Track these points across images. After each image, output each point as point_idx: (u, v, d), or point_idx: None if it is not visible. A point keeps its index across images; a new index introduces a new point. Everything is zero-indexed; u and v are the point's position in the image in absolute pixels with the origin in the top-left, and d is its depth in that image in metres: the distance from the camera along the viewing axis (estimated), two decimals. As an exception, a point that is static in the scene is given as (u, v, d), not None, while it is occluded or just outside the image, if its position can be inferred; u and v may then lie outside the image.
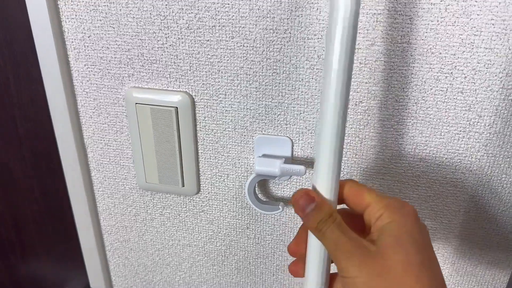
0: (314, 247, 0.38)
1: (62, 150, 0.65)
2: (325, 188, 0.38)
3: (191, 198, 0.65)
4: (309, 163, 0.57)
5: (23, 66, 0.61)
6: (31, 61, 0.61)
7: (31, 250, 0.81)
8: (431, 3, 0.45)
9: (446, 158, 0.53)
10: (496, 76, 0.47)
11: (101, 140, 0.64)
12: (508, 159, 0.51)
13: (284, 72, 0.52)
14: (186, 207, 0.66)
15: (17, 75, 0.62)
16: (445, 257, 0.59)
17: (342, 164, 0.56)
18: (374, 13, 0.47)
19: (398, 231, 0.34)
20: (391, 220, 0.35)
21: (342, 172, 0.57)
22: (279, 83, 0.53)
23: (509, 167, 0.52)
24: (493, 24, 0.45)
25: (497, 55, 0.46)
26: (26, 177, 0.72)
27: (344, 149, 0.55)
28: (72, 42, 0.58)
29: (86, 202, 0.68)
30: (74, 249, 0.77)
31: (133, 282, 0.77)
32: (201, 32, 0.52)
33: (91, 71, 0.59)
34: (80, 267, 0.79)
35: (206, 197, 0.64)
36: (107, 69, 0.58)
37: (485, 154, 0.52)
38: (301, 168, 0.52)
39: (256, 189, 0.60)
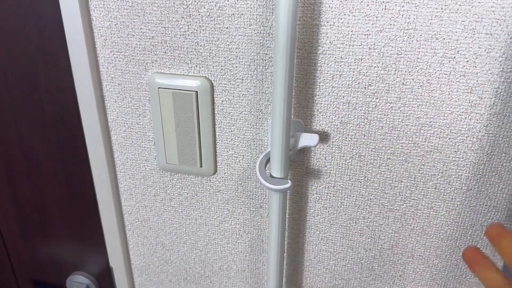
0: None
1: (87, 133, 0.69)
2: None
3: (208, 178, 0.69)
4: (320, 139, 0.61)
5: (52, 53, 0.66)
6: (59, 48, 0.65)
7: (53, 231, 0.85)
8: (436, -9, 0.49)
9: (449, 138, 0.56)
10: (496, 60, 0.51)
11: (124, 123, 0.68)
12: (508, 138, 0.55)
13: (298, 57, 0.56)
14: (203, 187, 0.70)
15: (46, 62, 0.67)
16: (448, 233, 0.63)
17: (351, 145, 0.59)
18: (383, 1, 0.51)
19: None
20: None
21: (351, 153, 0.61)
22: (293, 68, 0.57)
23: (508, 147, 0.55)
24: (493, 11, 0.49)
25: (497, 40, 0.50)
26: (50, 160, 0.76)
27: (353, 130, 0.59)
28: (100, 29, 0.62)
29: (109, 183, 0.73)
30: (95, 230, 0.81)
31: (151, 260, 0.81)
32: (221, 20, 0.56)
33: (117, 57, 0.63)
34: (100, 247, 0.83)
35: (223, 177, 0.68)
36: (132, 56, 0.62)
37: (485, 134, 0.55)
38: (315, 135, 0.57)
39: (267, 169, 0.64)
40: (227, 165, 0.67)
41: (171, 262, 0.79)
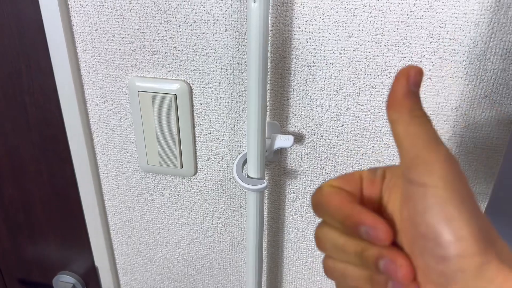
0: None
1: (70, 135, 0.70)
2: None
3: (189, 179, 0.71)
4: (296, 140, 0.63)
5: (34, 57, 0.67)
6: (41, 52, 0.66)
7: (38, 231, 0.86)
8: (402, -2, 0.51)
9: (418, 139, 0.58)
10: (460, 64, 0.53)
11: (106, 125, 0.69)
12: (474, 139, 0.57)
13: (272, 61, 0.58)
14: (184, 188, 0.72)
15: (28, 65, 0.68)
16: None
17: (325, 145, 0.61)
18: (351, 8, 0.53)
19: None
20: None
21: (325, 153, 0.63)
22: (268, 72, 0.59)
23: (474, 147, 0.58)
24: (456, 17, 0.51)
25: (460, 45, 0.52)
26: (34, 161, 0.78)
27: (327, 132, 0.61)
28: (80, 35, 0.63)
29: (92, 184, 0.74)
30: (79, 230, 0.83)
31: (135, 260, 0.82)
32: (197, 25, 0.58)
33: (98, 61, 0.65)
34: (85, 247, 0.85)
35: (203, 178, 0.70)
36: (112, 60, 0.64)
37: (453, 135, 0.57)
38: (290, 137, 0.59)
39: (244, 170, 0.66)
40: (207, 166, 0.69)
41: (155, 261, 0.81)
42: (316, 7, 0.54)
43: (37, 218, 0.85)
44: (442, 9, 0.51)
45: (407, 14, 0.52)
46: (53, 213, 0.83)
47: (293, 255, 0.73)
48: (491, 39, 0.51)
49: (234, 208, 0.71)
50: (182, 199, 0.73)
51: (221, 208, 0.72)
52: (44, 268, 0.91)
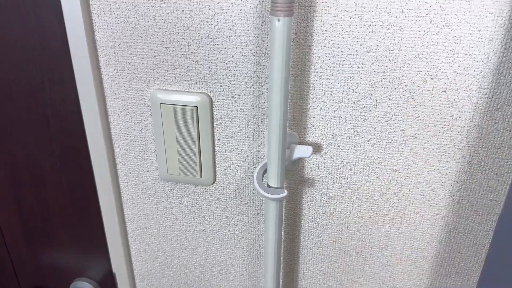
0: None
1: (92, 146, 0.72)
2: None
3: (208, 187, 0.73)
4: (313, 150, 0.65)
5: (57, 70, 0.69)
6: (64, 66, 0.68)
7: (56, 239, 0.88)
8: (418, 15, 0.54)
9: (433, 149, 0.61)
10: (474, 77, 0.56)
11: (127, 136, 0.71)
12: (486, 149, 0.59)
13: (292, 75, 0.60)
14: (203, 196, 0.74)
15: (51, 78, 0.70)
16: (433, 236, 0.67)
17: (342, 155, 0.64)
18: (370, 25, 0.55)
19: None
20: None
21: (342, 163, 0.65)
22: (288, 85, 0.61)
23: (486, 156, 0.60)
24: (470, 34, 0.53)
25: (474, 60, 0.55)
26: (54, 171, 0.79)
27: (344, 142, 0.63)
28: (104, 49, 0.65)
29: (112, 192, 0.76)
30: (98, 237, 0.85)
31: (153, 266, 0.84)
32: (219, 41, 0.60)
33: (120, 75, 0.66)
34: (102, 254, 0.86)
35: (221, 186, 0.72)
36: (135, 73, 0.66)
37: (466, 145, 0.60)
38: (309, 147, 0.61)
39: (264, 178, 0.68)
40: (226, 175, 0.71)
41: (172, 267, 0.83)
42: (335, 23, 0.56)
43: (55, 226, 0.86)
44: (458, 26, 0.53)
45: (424, 31, 0.54)
46: (71, 221, 0.85)
47: (309, 261, 0.75)
48: (504, 54, 0.54)
49: (251, 216, 0.73)
50: (200, 207, 0.75)
51: (239, 215, 0.74)
52: (61, 274, 0.93)
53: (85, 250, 0.88)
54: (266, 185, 0.63)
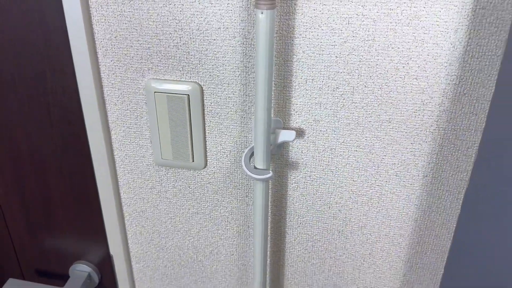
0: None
1: (90, 133, 0.77)
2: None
3: (199, 172, 0.77)
4: (297, 135, 0.70)
5: (57, 61, 0.74)
6: (65, 57, 0.73)
7: (57, 224, 0.93)
8: (390, 8, 0.59)
9: (406, 132, 0.66)
10: (442, 65, 0.61)
11: (123, 123, 0.76)
12: (455, 132, 0.65)
13: (276, 64, 0.65)
14: (195, 180, 0.78)
15: (52, 69, 0.74)
16: (409, 215, 0.73)
17: (323, 139, 0.69)
18: (346, 17, 0.60)
19: None
20: None
21: (323, 146, 0.70)
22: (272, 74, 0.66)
23: (456, 138, 0.65)
24: (437, 25, 0.58)
25: (442, 49, 0.60)
26: (55, 157, 0.84)
27: (325, 127, 0.68)
28: (101, 41, 0.70)
29: (109, 177, 0.81)
30: (96, 221, 0.89)
31: (148, 248, 0.89)
32: (208, 32, 0.65)
33: (117, 65, 0.71)
34: (100, 237, 0.91)
35: (212, 170, 0.77)
36: (130, 64, 0.70)
37: (436, 128, 0.65)
38: (292, 132, 0.66)
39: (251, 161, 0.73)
40: (216, 160, 0.76)
41: (167, 248, 0.88)
42: (315, 16, 0.61)
43: (56, 211, 0.91)
44: (426, 17, 0.58)
45: (395, 22, 0.59)
46: (71, 206, 0.89)
47: (294, 240, 0.80)
48: (469, 44, 0.59)
49: (240, 198, 0.78)
50: (192, 190, 0.80)
51: (229, 198, 0.79)
52: (61, 258, 0.97)
53: (83, 234, 0.92)
54: (253, 167, 0.68)
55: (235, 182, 0.77)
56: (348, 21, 0.60)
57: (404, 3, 0.58)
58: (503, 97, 0.55)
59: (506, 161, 0.57)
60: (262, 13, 0.56)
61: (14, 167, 0.87)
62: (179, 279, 0.91)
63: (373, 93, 0.64)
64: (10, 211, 0.94)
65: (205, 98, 0.70)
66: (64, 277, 1.00)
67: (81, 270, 0.96)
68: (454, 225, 0.72)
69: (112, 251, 0.90)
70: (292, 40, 0.63)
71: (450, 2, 0.57)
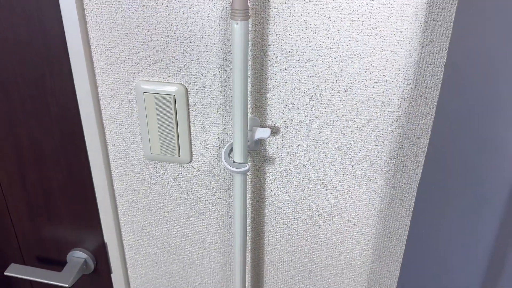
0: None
1: (86, 129, 0.84)
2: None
3: (185, 165, 0.85)
4: (272, 132, 0.77)
5: (56, 64, 0.81)
6: (63, 60, 0.80)
7: (56, 213, 1.00)
8: (352, 19, 0.66)
9: (369, 131, 0.73)
10: (399, 70, 0.68)
11: (116, 121, 0.83)
12: (413, 130, 0.72)
13: (252, 68, 0.72)
14: (181, 173, 0.86)
15: (51, 71, 0.82)
16: (374, 206, 0.80)
17: (297, 136, 0.76)
18: (313, 27, 0.67)
19: None
20: None
21: (296, 143, 0.77)
22: (249, 77, 0.73)
23: (414, 136, 0.72)
24: (394, 34, 0.65)
25: (399, 56, 0.67)
26: (54, 152, 0.91)
27: (298, 125, 0.75)
28: (96, 46, 0.77)
29: (104, 170, 0.88)
30: (92, 211, 0.97)
31: (140, 236, 0.96)
32: (192, 39, 0.72)
33: (110, 68, 0.78)
34: (96, 226, 0.98)
35: (197, 164, 0.84)
36: (122, 67, 0.78)
37: (396, 127, 0.72)
38: (267, 129, 0.73)
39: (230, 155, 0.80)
40: (201, 154, 0.83)
41: (157, 237, 0.95)
42: (286, 26, 0.68)
43: (55, 201, 0.98)
44: (384, 28, 0.65)
45: (357, 32, 0.66)
46: (69, 197, 0.97)
47: (273, 229, 0.87)
48: (423, 51, 0.66)
49: (223, 190, 0.86)
50: (179, 183, 0.87)
51: (212, 190, 0.86)
52: (59, 245, 1.05)
53: (80, 223, 1.00)
54: (232, 161, 0.75)
55: (218, 175, 0.84)
56: (315, 30, 0.67)
57: (365, 15, 0.65)
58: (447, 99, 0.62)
59: (452, 156, 0.64)
60: (237, 23, 0.63)
61: (16, 161, 0.95)
62: (168, 265, 0.98)
63: (339, 95, 0.71)
64: (13, 201, 1.01)
65: (189, 98, 0.78)
66: (62, 263, 1.08)
67: (77, 256, 1.03)
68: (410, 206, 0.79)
69: (107, 239, 0.97)
70: (267, 47, 0.70)
71: (405, 14, 0.64)
